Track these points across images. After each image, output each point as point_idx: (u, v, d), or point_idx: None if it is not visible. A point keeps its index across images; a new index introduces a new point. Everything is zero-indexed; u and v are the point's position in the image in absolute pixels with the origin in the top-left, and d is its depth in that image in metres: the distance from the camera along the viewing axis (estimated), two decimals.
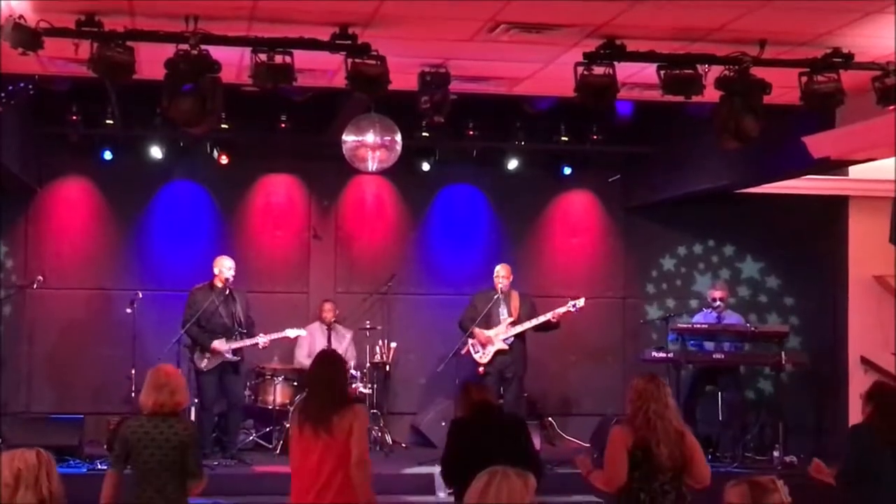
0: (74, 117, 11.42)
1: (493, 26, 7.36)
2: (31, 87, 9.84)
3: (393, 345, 12.16)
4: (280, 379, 11.43)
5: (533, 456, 6.78)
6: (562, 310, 11.14)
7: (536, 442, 10.43)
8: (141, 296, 11.38)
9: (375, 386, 11.79)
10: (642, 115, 11.31)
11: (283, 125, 11.69)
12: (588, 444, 11.51)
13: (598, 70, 7.46)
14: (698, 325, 11.45)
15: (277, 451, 11.15)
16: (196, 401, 10.54)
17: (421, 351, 12.49)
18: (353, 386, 11.12)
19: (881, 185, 11.48)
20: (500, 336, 11.15)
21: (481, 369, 11.17)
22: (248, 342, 10.82)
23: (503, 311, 11.23)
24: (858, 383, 11.51)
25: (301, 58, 7.20)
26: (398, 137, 10.44)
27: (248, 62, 7.24)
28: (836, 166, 10.95)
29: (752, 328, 11.48)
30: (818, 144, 9.51)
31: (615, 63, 7.45)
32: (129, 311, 11.28)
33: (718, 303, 11.55)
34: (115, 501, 6.11)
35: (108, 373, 11.94)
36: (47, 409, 11.86)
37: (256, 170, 12.71)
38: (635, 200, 13.09)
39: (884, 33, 7.29)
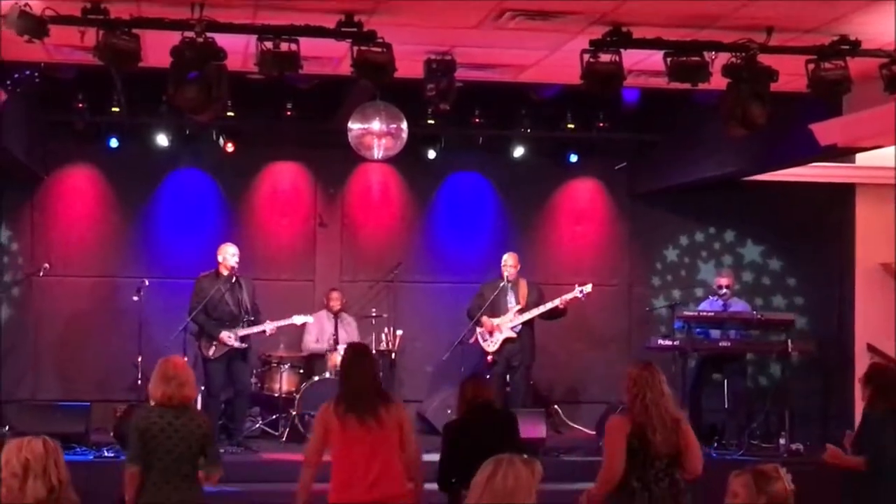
0: (80, 105, 11.42)
1: (498, 14, 7.35)
2: (36, 74, 9.85)
3: (399, 333, 12.17)
4: (286, 367, 11.45)
5: (520, 448, 6.75)
6: (569, 296, 11.13)
7: (542, 430, 10.51)
8: (147, 283, 11.41)
9: (381, 374, 11.78)
10: (649, 102, 11.28)
11: (288, 113, 11.69)
12: (594, 432, 11.54)
13: (605, 57, 7.44)
14: (704, 313, 11.45)
15: (284, 439, 11.18)
16: (203, 388, 10.56)
17: (427, 339, 12.50)
18: None
19: (888, 173, 11.45)
20: (507, 324, 11.15)
21: (489, 357, 11.19)
22: (254, 329, 10.83)
23: (511, 298, 11.24)
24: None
25: (307, 45, 7.19)
26: (404, 125, 10.42)
27: (254, 50, 7.23)
28: (843, 154, 10.92)
29: (759, 316, 11.47)
30: (825, 132, 9.49)
31: (621, 50, 7.43)
32: (135, 298, 11.31)
33: (724, 290, 11.54)
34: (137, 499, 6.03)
35: (114, 360, 11.97)
36: (54, 396, 11.87)
37: (262, 157, 12.71)
38: (642, 188, 13.07)
39: (891, 20, 7.25)
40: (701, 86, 7.61)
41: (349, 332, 11.78)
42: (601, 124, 12.26)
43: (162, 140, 12.04)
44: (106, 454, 9.97)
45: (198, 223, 12.51)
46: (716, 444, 10.86)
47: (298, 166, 12.85)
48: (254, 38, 7.21)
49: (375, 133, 10.41)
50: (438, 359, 11.94)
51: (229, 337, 10.64)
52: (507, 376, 11.19)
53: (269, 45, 7.12)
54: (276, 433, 11.47)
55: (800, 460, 10.39)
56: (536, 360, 11.48)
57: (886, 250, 12.08)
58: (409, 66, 7.59)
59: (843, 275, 12.79)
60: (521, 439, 7.31)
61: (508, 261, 11.32)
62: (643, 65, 8.16)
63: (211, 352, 10.67)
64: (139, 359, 10.94)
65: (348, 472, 6.10)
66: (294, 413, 11.07)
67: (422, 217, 13.03)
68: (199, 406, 10.19)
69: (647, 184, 12.98)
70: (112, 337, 12.05)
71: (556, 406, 12.55)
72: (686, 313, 11.47)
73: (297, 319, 11.21)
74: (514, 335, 11.15)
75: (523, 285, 11.31)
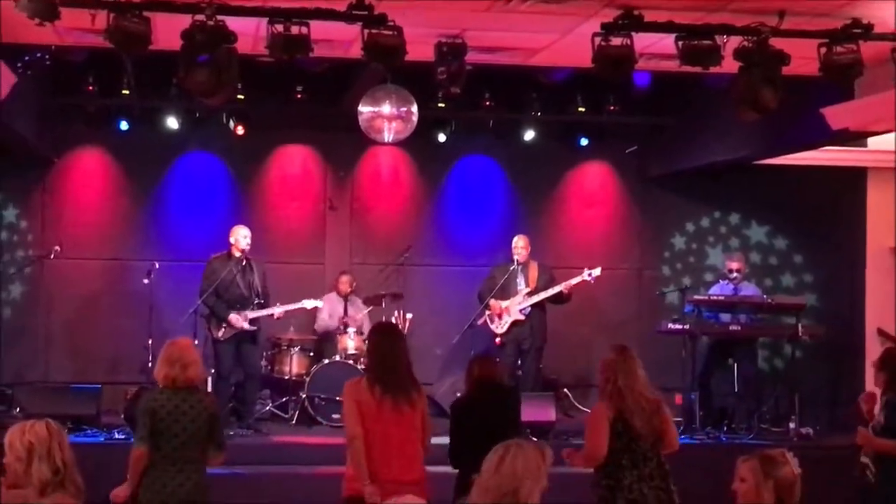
0: (91, 88, 11.42)
1: None
2: (47, 57, 9.86)
3: (409, 316, 12.17)
4: (296, 349, 11.48)
5: (515, 423, 7.16)
6: (576, 280, 11.11)
7: (552, 413, 10.53)
8: (157, 266, 11.42)
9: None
10: (660, 86, 11.25)
11: (298, 96, 11.67)
12: None
13: (616, 41, 7.41)
14: (715, 297, 11.43)
15: (294, 422, 11.21)
16: (213, 371, 10.59)
17: (437, 322, 12.49)
18: None
19: None
20: (516, 306, 11.15)
21: (498, 340, 11.19)
22: (264, 312, 10.85)
23: (521, 281, 11.24)
24: (875, 354, 11.29)
25: (317, 28, 7.17)
26: (414, 108, 10.39)
27: (265, 33, 7.21)
28: (855, 137, 10.90)
29: (769, 300, 11.45)
30: (837, 116, 9.47)
31: (633, 34, 7.40)
32: (145, 281, 11.33)
33: (735, 274, 11.50)
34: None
35: (124, 343, 12.00)
36: (65, 378, 11.90)
37: (272, 141, 12.71)
38: (652, 172, 13.04)
39: None
40: (712, 69, 7.56)
41: (359, 315, 11.79)
42: (612, 108, 12.22)
43: (172, 123, 12.05)
44: (116, 436, 10.01)
45: (208, 206, 12.53)
46: (725, 428, 10.87)
47: (308, 149, 12.85)
48: (264, 20, 7.19)
49: (386, 116, 10.39)
50: (448, 342, 11.94)
51: (238, 319, 10.67)
52: (518, 359, 11.19)
53: (279, 27, 7.11)
54: (286, 416, 11.49)
55: (809, 444, 10.40)
56: (547, 343, 11.48)
57: None
58: (419, 49, 7.57)
59: (854, 259, 12.78)
60: (520, 417, 7.50)
61: (519, 243, 11.32)
62: (654, 48, 8.13)
63: (220, 333, 10.70)
64: (149, 341, 10.96)
65: (379, 451, 6.10)
66: (304, 396, 11.09)
67: (432, 200, 13.02)
68: (209, 388, 10.27)
69: (657, 168, 12.95)
70: (122, 319, 12.08)
71: (565, 390, 12.54)
72: (696, 297, 11.45)
73: (307, 303, 11.23)
74: (522, 318, 11.14)
75: (534, 268, 11.31)
